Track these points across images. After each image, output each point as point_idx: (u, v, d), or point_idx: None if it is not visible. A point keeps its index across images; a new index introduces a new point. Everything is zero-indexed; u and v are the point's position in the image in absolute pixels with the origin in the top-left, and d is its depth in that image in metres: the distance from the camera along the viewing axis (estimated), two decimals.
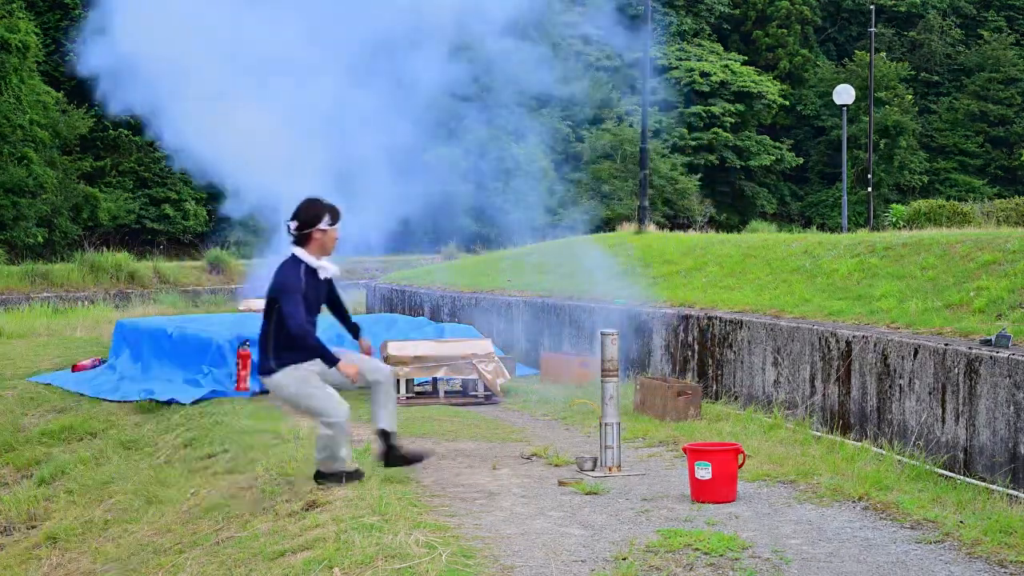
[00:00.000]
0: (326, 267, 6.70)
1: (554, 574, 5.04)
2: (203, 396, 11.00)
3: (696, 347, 11.16)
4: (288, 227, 6.64)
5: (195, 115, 17.70)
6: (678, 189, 46.78)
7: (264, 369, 6.63)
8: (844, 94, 31.01)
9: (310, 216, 6.62)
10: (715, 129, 52.03)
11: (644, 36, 20.53)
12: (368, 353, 6.91)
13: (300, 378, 6.53)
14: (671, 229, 25.78)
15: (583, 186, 47.24)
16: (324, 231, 6.63)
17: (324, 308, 6.99)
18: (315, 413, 6.55)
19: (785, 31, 57.70)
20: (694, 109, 52.24)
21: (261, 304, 6.99)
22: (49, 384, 13.16)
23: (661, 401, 9.42)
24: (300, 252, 6.62)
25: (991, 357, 7.45)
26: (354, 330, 7.10)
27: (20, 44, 32.87)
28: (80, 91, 38.59)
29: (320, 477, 6.74)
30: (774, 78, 55.80)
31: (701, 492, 6.39)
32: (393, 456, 6.83)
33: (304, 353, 6.52)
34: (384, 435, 6.81)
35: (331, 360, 6.48)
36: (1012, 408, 7.24)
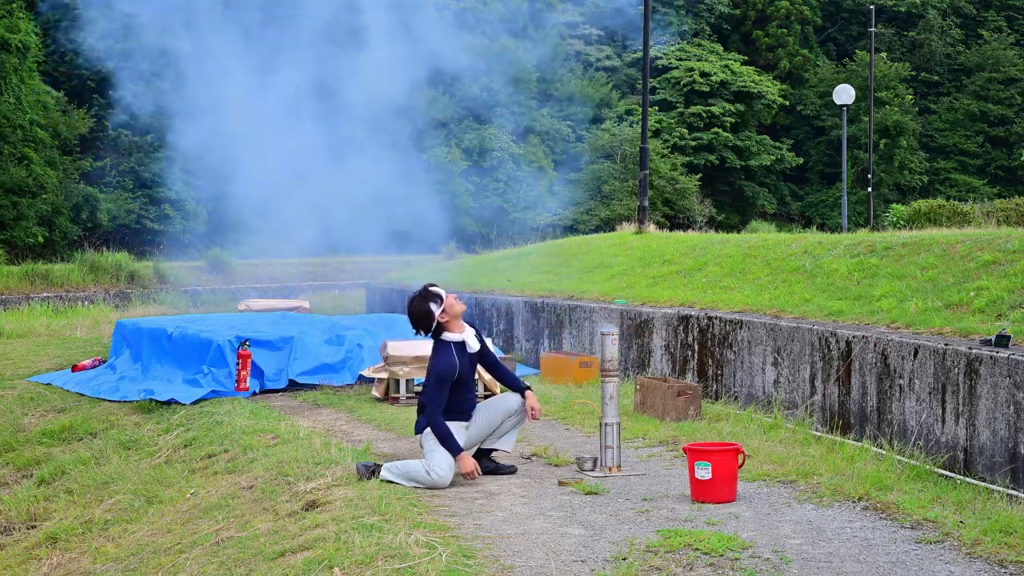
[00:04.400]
0: (471, 344, 7.20)
1: (554, 574, 5.04)
2: (203, 396, 10.99)
3: (696, 347, 11.16)
4: (420, 335, 7.21)
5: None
6: (678, 189, 46.79)
7: (421, 427, 7.06)
8: (844, 94, 31.03)
9: (424, 317, 7.11)
10: (715, 129, 52.02)
11: (644, 36, 20.51)
12: (534, 408, 7.25)
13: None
14: (671, 229, 25.80)
15: (583, 186, 47.26)
16: (443, 311, 7.10)
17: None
18: (427, 461, 6.90)
19: (785, 31, 57.69)
20: (694, 109, 52.24)
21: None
22: (49, 384, 13.16)
23: (661, 401, 9.41)
24: (446, 335, 7.15)
25: (991, 357, 7.45)
26: (520, 389, 7.39)
27: (20, 44, 32.86)
28: (80, 91, 38.67)
29: (375, 474, 6.95)
30: (774, 78, 55.80)
31: (701, 492, 6.39)
32: (490, 469, 7.30)
33: (458, 416, 7.11)
34: (489, 452, 7.36)
35: (453, 450, 6.90)
36: (1012, 408, 7.24)
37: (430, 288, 7.18)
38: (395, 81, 41.23)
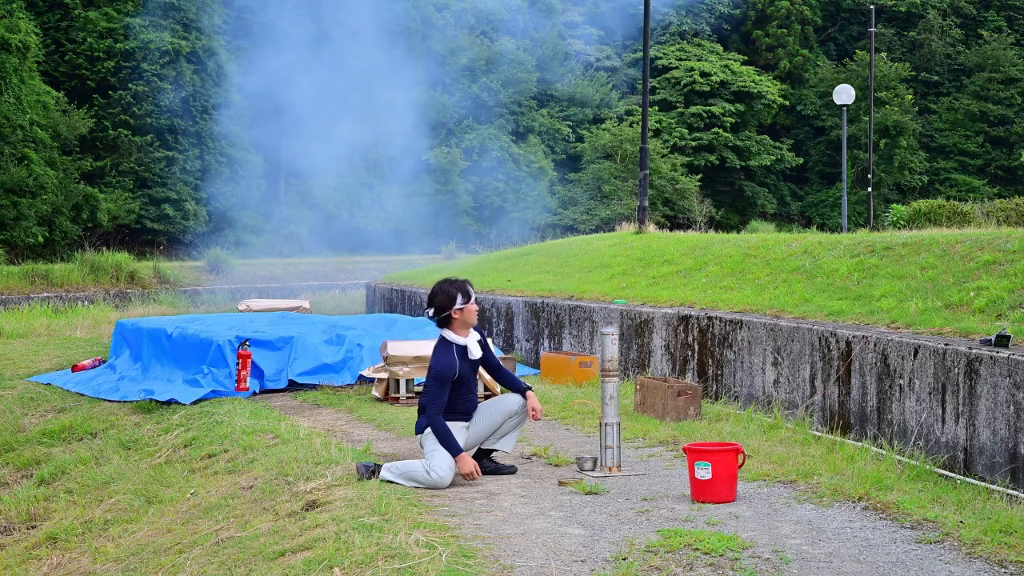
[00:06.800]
0: (474, 351, 7.15)
1: (554, 574, 5.04)
2: (203, 396, 10.99)
3: (696, 347, 11.16)
4: (427, 314, 7.17)
5: None
6: (678, 189, 46.80)
7: (422, 428, 7.06)
8: (844, 94, 31.04)
9: (445, 300, 7.08)
10: (715, 129, 52.04)
11: (644, 36, 20.52)
12: (535, 409, 7.25)
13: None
14: (671, 229, 25.80)
15: (583, 186, 47.27)
16: (461, 310, 7.07)
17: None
18: (427, 461, 6.90)
19: (785, 31, 57.71)
20: (694, 109, 52.25)
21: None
22: (49, 384, 13.16)
23: (661, 401, 9.41)
24: (448, 334, 7.12)
25: (991, 357, 7.45)
26: (521, 390, 7.38)
27: (20, 44, 32.86)
28: (80, 91, 38.67)
29: (375, 474, 6.97)
30: (774, 78, 55.82)
31: (701, 492, 6.39)
32: (490, 469, 7.31)
33: (459, 416, 7.11)
34: (489, 452, 7.36)
35: (453, 450, 6.89)
36: (1012, 408, 7.24)
37: (467, 283, 7.18)
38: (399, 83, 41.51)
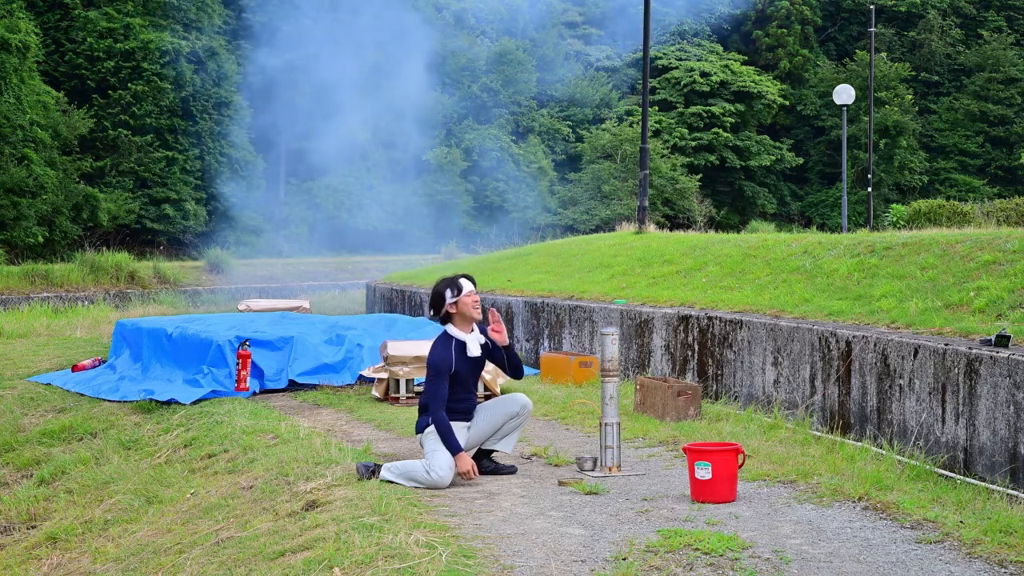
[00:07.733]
0: (472, 349, 7.16)
1: (554, 574, 5.04)
2: (203, 396, 10.98)
3: (696, 347, 11.16)
4: (429, 315, 7.20)
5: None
6: (678, 189, 46.79)
7: (422, 427, 7.08)
8: (844, 94, 31.05)
9: (437, 299, 7.21)
10: (715, 129, 52.03)
11: (644, 36, 20.51)
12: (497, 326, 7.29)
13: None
14: (671, 229, 25.80)
15: (583, 186, 47.26)
16: (455, 303, 7.13)
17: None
18: (428, 461, 6.91)
19: (785, 31, 57.71)
20: (694, 109, 52.24)
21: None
22: (49, 384, 13.16)
23: (661, 401, 9.41)
24: (449, 328, 7.20)
25: (991, 357, 7.45)
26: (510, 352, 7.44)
27: (20, 44, 32.85)
28: (80, 91, 38.67)
29: (375, 474, 6.98)
30: (774, 78, 55.82)
31: (701, 492, 6.39)
32: (490, 469, 7.33)
33: (459, 416, 7.11)
34: (489, 452, 7.37)
35: (453, 448, 6.88)
36: (1012, 408, 7.24)
37: (459, 277, 7.24)
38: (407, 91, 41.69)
